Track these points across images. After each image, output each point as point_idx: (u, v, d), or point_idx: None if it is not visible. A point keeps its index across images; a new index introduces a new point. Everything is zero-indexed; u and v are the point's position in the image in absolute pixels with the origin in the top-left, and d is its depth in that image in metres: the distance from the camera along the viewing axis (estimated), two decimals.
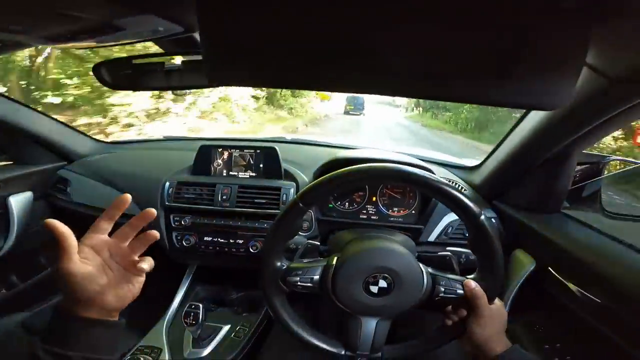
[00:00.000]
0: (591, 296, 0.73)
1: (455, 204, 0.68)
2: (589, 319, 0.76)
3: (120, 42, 0.63)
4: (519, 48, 0.37)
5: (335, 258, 0.74)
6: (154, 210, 0.54)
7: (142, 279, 0.54)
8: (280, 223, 0.70)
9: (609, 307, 0.70)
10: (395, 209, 1.17)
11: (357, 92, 0.43)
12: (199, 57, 0.69)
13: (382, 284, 0.70)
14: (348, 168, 0.68)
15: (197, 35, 0.76)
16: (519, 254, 0.98)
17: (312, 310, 1.13)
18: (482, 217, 0.67)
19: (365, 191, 1.18)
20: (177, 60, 0.70)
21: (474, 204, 0.67)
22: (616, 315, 0.69)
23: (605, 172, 0.97)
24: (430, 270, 0.74)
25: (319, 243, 0.78)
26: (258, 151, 1.23)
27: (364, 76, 0.40)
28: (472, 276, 0.73)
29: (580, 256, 0.79)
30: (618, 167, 1.02)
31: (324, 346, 0.75)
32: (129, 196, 0.53)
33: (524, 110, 0.92)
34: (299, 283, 0.72)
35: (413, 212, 1.17)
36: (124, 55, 0.71)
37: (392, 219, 1.17)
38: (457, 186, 1.20)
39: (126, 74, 0.70)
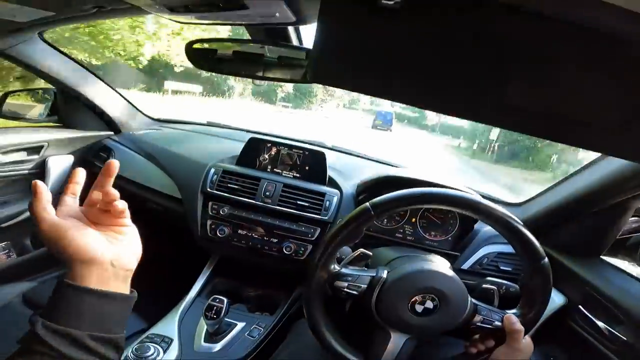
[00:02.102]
0: (619, 334, 0.79)
1: (522, 244, 0.69)
2: (612, 356, 0.81)
3: (225, 22, 0.64)
4: None
5: (386, 272, 0.74)
6: (114, 161, 0.48)
7: (132, 228, 0.49)
8: (348, 226, 0.70)
9: (634, 345, 0.76)
10: (433, 232, 1.16)
11: (469, 119, 0.43)
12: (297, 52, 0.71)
13: (429, 304, 0.71)
14: (424, 189, 0.71)
15: (291, 30, 0.79)
16: None
17: (338, 314, 1.11)
18: (546, 259, 0.69)
19: (407, 211, 1.17)
20: (272, 51, 0.71)
21: (540, 247, 0.69)
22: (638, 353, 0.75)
23: None
24: (472, 299, 0.74)
25: (371, 253, 0.77)
26: (307, 153, 1.23)
27: (479, 104, 0.39)
28: (513, 311, 0.74)
29: (615, 298, 0.83)
30: None
31: (345, 354, 0.74)
32: (82, 170, 0.49)
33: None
34: (345, 289, 0.73)
35: (449, 238, 1.16)
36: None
37: (427, 242, 1.16)
38: None
39: (219, 57, 0.71)
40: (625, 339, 0.78)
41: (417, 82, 0.40)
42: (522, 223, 0.69)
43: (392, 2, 0.35)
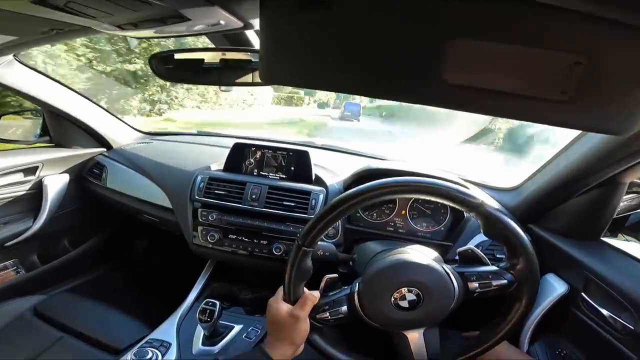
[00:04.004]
0: (624, 322, 0.74)
1: (451, 201, 0.66)
2: (616, 344, 0.75)
3: (180, 34, 0.64)
4: (594, 70, 0.35)
5: (357, 283, 0.73)
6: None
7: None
8: (292, 270, 0.69)
9: None
10: (424, 224, 1.15)
11: (411, 102, 0.42)
12: (251, 56, 0.71)
13: (410, 297, 0.69)
14: (335, 200, 0.67)
15: (249, 34, 0.79)
16: (549, 278, 0.96)
17: (354, 337, 1.11)
18: (484, 202, 0.65)
19: (395, 203, 1.16)
20: (231, 56, 0.71)
21: (470, 193, 0.65)
22: None
23: None
24: (456, 269, 0.73)
25: (337, 275, 0.77)
26: (291, 153, 1.23)
27: (423, 87, 0.39)
28: (503, 264, 0.72)
29: (617, 283, 0.78)
30: None
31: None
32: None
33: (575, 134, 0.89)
34: (329, 318, 0.72)
35: (442, 228, 1.14)
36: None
37: (420, 233, 1.14)
38: None
39: (179, 67, 0.72)
40: (632, 327, 0.72)
41: (358, 71, 0.39)
42: (438, 182, 0.65)
43: None
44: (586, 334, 0.84)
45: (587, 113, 0.37)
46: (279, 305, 0.69)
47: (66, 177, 1.47)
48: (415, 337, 0.73)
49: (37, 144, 1.47)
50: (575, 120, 0.39)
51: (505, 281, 0.70)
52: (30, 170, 1.37)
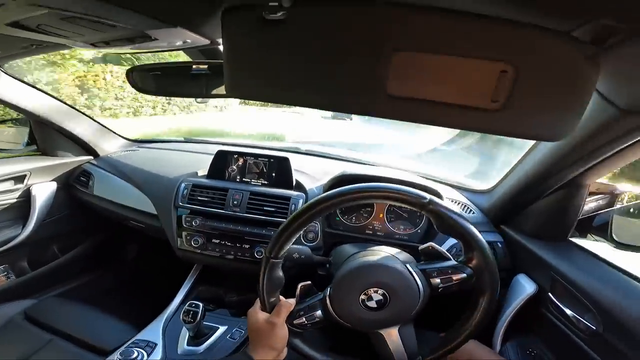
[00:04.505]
0: (587, 323, 0.75)
1: (400, 202, 0.68)
2: (581, 345, 0.77)
3: (152, 50, 0.68)
4: (520, 78, 0.37)
5: (328, 288, 0.75)
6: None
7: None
8: (263, 280, 0.73)
9: (602, 335, 0.71)
10: (402, 226, 1.18)
11: (358, 114, 0.45)
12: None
13: (377, 297, 0.71)
14: (293, 214, 0.70)
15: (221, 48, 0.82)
16: (520, 278, 0.99)
17: (335, 339, 1.13)
18: (431, 200, 0.67)
19: (373, 207, 1.19)
20: (201, 69, 0.74)
21: (417, 193, 0.67)
22: (609, 344, 0.70)
23: (619, 203, 0.96)
24: (419, 266, 0.74)
25: (310, 282, 0.80)
26: (272, 160, 1.26)
27: (366, 99, 0.41)
28: (461, 258, 0.74)
29: (581, 284, 0.79)
30: (632, 198, 0.99)
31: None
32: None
33: None
34: (306, 323, 0.74)
35: (419, 231, 1.17)
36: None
37: (397, 236, 1.18)
38: (465, 209, 1.20)
39: (154, 80, 0.75)
40: (594, 328, 0.73)
41: (310, 84, 0.42)
42: (387, 185, 0.68)
43: (278, 15, 0.38)
44: (555, 334, 0.86)
45: (518, 120, 0.39)
46: (257, 314, 0.73)
47: (54, 185, 1.49)
48: (391, 336, 0.75)
49: (25, 153, 1.49)
50: (508, 128, 0.41)
51: (465, 275, 0.72)
52: (18, 179, 1.40)
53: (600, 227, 1.03)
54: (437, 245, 0.79)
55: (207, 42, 0.63)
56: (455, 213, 0.68)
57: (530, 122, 0.40)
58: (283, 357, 0.74)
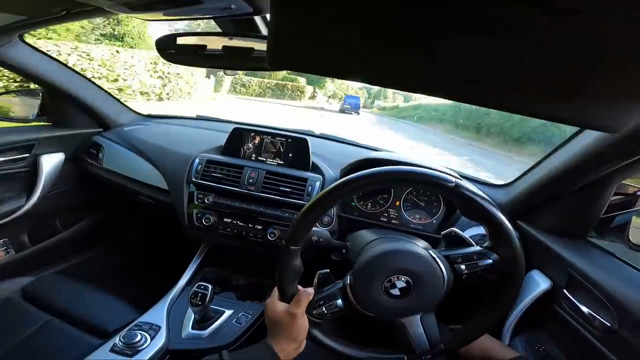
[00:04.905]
0: (602, 320, 0.75)
1: (426, 185, 0.67)
2: (594, 342, 0.76)
3: (189, 17, 0.65)
4: (592, 68, 0.36)
5: (349, 276, 0.74)
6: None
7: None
8: (282, 269, 0.70)
9: (617, 332, 0.71)
10: (418, 215, 1.17)
11: (414, 92, 0.43)
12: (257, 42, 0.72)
13: (400, 284, 0.70)
14: (315, 197, 0.68)
15: (258, 19, 0.79)
16: (534, 274, 0.98)
17: (355, 329, 1.10)
18: (458, 183, 0.66)
19: (390, 194, 1.18)
20: (238, 41, 0.71)
21: (443, 176, 0.66)
22: (623, 341, 0.70)
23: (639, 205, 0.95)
24: (442, 252, 0.73)
25: (328, 270, 0.77)
26: (289, 140, 1.24)
27: (424, 76, 0.40)
28: (486, 244, 0.73)
29: (599, 280, 0.79)
30: None
31: (387, 357, 0.75)
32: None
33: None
34: (326, 312, 0.73)
35: (434, 221, 1.17)
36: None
37: (412, 225, 1.17)
38: None
39: (187, 50, 0.72)
40: (609, 325, 0.73)
41: (365, 58, 0.40)
42: (411, 167, 0.66)
43: None
44: (565, 331, 0.86)
45: (584, 110, 0.38)
46: (275, 305, 0.70)
47: (62, 156, 1.46)
48: (412, 324, 0.73)
49: (35, 123, 1.46)
50: (573, 117, 0.39)
51: (491, 261, 0.71)
52: (26, 148, 1.36)
53: (617, 228, 1.03)
54: (459, 231, 0.78)
55: (250, 10, 0.61)
56: (482, 197, 0.67)
57: (596, 112, 0.39)
58: (302, 348, 0.72)
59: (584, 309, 0.80)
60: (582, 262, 0.86)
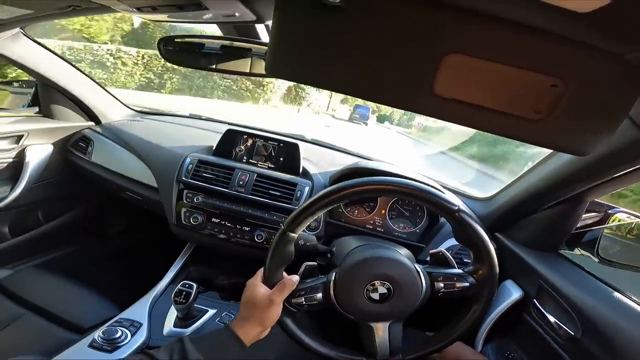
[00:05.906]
0: (567, 328, 0.80)
1: (430, 204, 0.70)
2: (557, 349, 0.82)
3: (194, 21, 0.67)
4: (567, 94, 0.39)
5: (334, 273, 0.76)
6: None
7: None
8: (274, 252, 0.72)
9: (580, 340, 0.76)
10: (402, 224, 1.21)
11: (402, 108, 0.46)
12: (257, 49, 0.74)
13: (382, 290, 0.73)
14: (324, 191, 0.70)
15: (259, 27, 0.82)
16: (508, 284, 1.03)
17: (323, 325, 1.12)
18: (460, 209, 0.70)
19: (376, 203, 1.22)
20: (240, 46, 0.74)
21: (448, 199, 0.70)
22: (583, 348, 0.75)
23: (610, 222, 1.01)
24: (426, 269, 0.77)
25: (316, 263, 0.80)
26: (281, 144, 1.27)
27: (413, 95, 0.42)
28: (467, 268, 0.77)
29: (566, 292, 0.84)
30: (623, 219, 1.05)
31: (346, 357, 0.77)
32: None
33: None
34: (304, 303, 0.75)
35: (417, 230, 1.21)
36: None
37: (396, 233, 1.20)
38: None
39: (186, 52, 0.74)
40: (572, 333, 0.78)
41: (358, 74, 0.43)
42: (419, 184, 0.69)
43: (337, 1, 0.39)
44: (533, 339, 0.90)
45: (556, 133, 0.41)
46: (257, 286, 0.71)
47: (50, 148, 1.44)
48: (380, 330, 0.76)
49: (25, 114, 1.44)
50: (544, 139, 0.43)
51: (467, 284, 0.76)
52: (15, 139, 1.35)
53: (588, 242, 1.09)
54: (447, 253, 0.82)
55: (253, 18, 0.63)
56: (480, 225, 0.71)
57: (567, 135, 0.41)
58: (266, 334, 0.72)
59: (551, 318, 0.85)
60: (551, 274, 0.91)
